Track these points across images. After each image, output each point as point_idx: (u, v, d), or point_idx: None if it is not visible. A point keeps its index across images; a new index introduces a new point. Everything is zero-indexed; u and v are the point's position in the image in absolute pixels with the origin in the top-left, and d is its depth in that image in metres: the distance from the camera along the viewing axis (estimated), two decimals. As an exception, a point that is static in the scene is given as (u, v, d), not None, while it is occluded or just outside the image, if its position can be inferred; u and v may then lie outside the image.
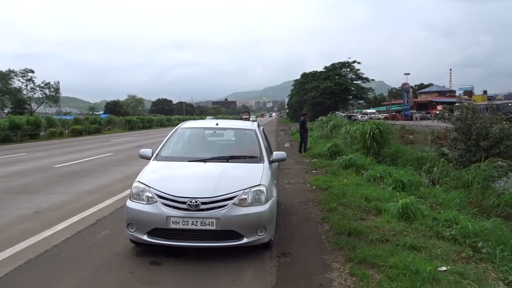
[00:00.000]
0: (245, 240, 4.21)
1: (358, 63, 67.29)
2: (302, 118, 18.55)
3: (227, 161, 5.08)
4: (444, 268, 4.05)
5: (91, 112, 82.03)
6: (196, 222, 4.09)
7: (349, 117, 52.78)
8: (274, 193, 4.73)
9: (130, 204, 4.40)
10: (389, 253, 4.43)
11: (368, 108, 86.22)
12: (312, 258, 4.53)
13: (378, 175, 9.11)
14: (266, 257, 4.48)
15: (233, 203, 4.18)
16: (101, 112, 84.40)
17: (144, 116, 70.70)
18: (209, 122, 6.66)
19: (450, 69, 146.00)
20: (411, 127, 36.28)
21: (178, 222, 4.10)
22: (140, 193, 4.38)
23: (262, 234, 4.27)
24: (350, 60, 67.78)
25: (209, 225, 4.10)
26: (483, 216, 6.23)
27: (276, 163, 6.06)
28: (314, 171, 11.44)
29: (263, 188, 4.39)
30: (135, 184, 4.51)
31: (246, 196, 4.27)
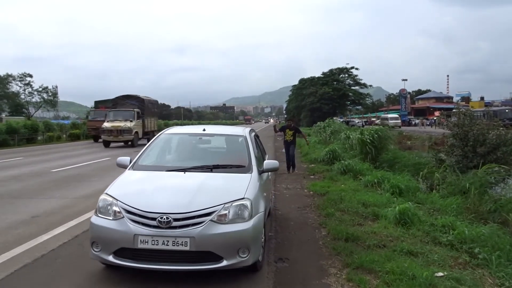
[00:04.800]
0: (224, 262, 3.66)
1: (356, 69, 67.69)
2: (289, 123, 13.30)
3: (211, 171, 4.55)
4: (440, 274, 4.06)
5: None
6: (168, 241, 3.56)
7: (347, 123, 53.01)
8: (262, 208, 4.16)
9: (95, 220, 3.87)
10: (386, 258, 4.43)
11: (366, 113, 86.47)
12: (309, 264, 4.53)
13: (375, 180, 9.12)
14: (263, 262, 4.47)
15: (211, 220, 3.65)
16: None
17: (142, 121, 70.46)
18: (195, 128, 6.32)
19: (448, 75, 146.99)
20: (409, 133, 36.37)
21: (147, 242, 3.58)
22: (107, 207, 3.85)
23: (244, 255, 3.72)
24: (348, 66, 68.12)
25: (182, 245, 3.57)
26: (480, 222, 6.25)
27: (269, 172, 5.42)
28: (312, 177, 11.45)
29: (246, 203, 3.85)
30: (102, 197, 4.00)
31: (226, 212, 3.73)
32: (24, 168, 13.51)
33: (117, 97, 27.27)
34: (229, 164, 4.77)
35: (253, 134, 5.84)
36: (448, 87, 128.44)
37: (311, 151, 17.75)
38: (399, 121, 57.61)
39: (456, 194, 7.98)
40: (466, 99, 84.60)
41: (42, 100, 62.80)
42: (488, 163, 9.30)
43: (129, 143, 23.64)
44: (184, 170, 4.54)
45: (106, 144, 23.61)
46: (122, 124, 23.28)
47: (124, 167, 4.85)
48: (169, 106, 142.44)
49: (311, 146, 19.11)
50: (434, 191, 8.77)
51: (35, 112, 64.42)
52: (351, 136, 16.16)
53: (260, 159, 5.29)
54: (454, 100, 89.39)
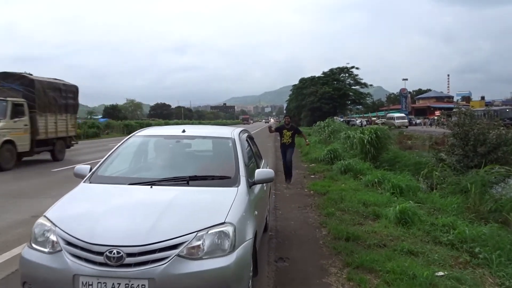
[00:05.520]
0: None
1: (357, 68, 67.66)
2: (285, 121, 10.71)
3: (187, 184, 3.55)
4: (441, 273, 4.06)
5: (89, 116, 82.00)
6: (119, 284, 2.64)
7: (348, 122, 52.95)
8: (249, 233, 3.16)
9: (26, 253, 2.94)
10: (386, 258, 4.44)
11: (367, 113, 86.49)
12: (310, 263, 4.54)
13: (376, 180, 9.12)
14: (264, 262, 4.47)
15: (179, 255, 2.71)
16: (100, 116, 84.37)
17: (143, 121, 70.72)
18: (173, 129, 5.20)
19: (448, 75, 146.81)
20: (409, 133, 36.35)
21: (91, 285, 2.65)
22: (44, 235, 2.94)
23: None
24: (349, 66, 68.12)
25: None
26: (481, 221, 6.24)
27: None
28: (312, 176, 11.46)
29: (228, 229, 2.87)
30: (39, 221, 3.08)
31: (200, 242, 2.77)
32: (25, 167, 13.51)
33: None
34: (210, 175, 3.76)
35: (244, 135, 4.87)
36: (448, 87, 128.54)
37: (311, 151, 17.76)
38: (406, 120, 54.75)
39: (457, 194, 7.98)
40: (467, 98, 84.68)
41: (42, 99, 62.73)
42: (488, 162, 9.30)
43: None
44: (152, 183, 3.56)
45: None
46: None
47: (83, 177, 3.89)
48: (169, 105, 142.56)
49: (312, 146, 19.10)
50: (434, 190, 8.77)
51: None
52: (351, 136, 16.16)
53: (252, 167, 4.41)
54: (455, 99, 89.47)
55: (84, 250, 2.72)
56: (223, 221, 2.92)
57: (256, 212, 3.68)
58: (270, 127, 11.31)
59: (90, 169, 3.94)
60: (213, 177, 3.73)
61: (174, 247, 2.72)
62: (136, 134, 4.68)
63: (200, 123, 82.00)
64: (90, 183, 3.76)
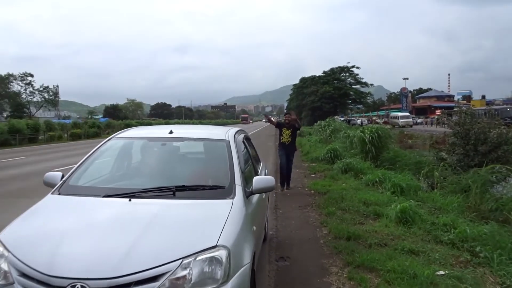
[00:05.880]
0: None
1: (357, 68, 67.74)
2: (285, 120, 9.30)
3: (173, 195, 2.96)
4: (442, 272, 4.06)
5: (90, 116, 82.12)
6: None
7: (348, 122, 52.83)
8: (247, 256, 2.61)
9: None
10: (387, 257, 4.44)
11: (367, 112, 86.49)
12: (310, 262, 4.54)
13: (376, 179, 9.12)
14: (265, 261, 4.48)
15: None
16: (100, 116, 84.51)
17: (143, 120, 70.88)
18: (160, 130, 4.52)
19: (449, 74, 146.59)
20: (410, 132, 36.34)
21: None
22: None
23: None
24: (349, 65, 68.14)
25: None
26: (481, 220, 6.24)
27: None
28: (313, 175, 11.46)
29: (221, 254, 2.33)
30: None
31: (186, 272, 2.24)
32: (26, 167, 13.55)
33: None
34: (200, 185, 3.22)
35: (241, 136, 4.33)
36: (449, 86, 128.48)
37: (312, 150, 17.77)
38: (411, 120, 52.62)
39: (457, 193, 7.97)
40: (468, 97, 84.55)
41: (43, 99, 63.03)
42: (489, 161, 9.29)
43: None
44: (131, 195, 2.96)
45: None
46: None
47: (53, 187, 3.34)
48: (170, 105, 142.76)
49: (312, 145, 19.09)
50: (435, 189, 8.77)
51: (36, 111, 64.62)
52: (350, 135, 16.17)
53: (250, 173, 3.88)
54: (455, 98, 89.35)
55: (41, 284, 2.18)
56: (214, 244, 2.36)
57: (254, 228, 3.15)
58: (271, 120, 10.44)
59: (62, 177, 3.39)
60: (203, 187, 3.17)
61: (154, 279, 2.19)
62: (116, 136, 4.08)
63: (200, 123, 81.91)
64: (58, 194, 3.20)
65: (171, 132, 3.90)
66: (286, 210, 7.13)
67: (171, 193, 2.98)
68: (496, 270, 4.24)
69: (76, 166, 3.54)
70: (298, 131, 9.23)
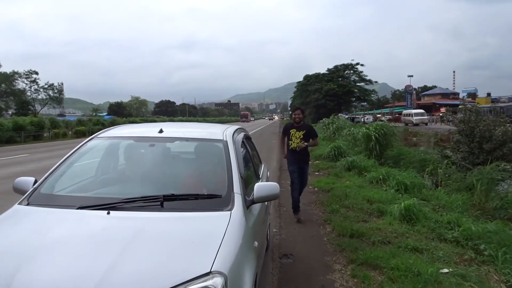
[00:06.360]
0: None
1: (362, 65, 67.36)
2: (295, 119, 6.54)
3: (161, 206, 2.50)
4: (446, 270, 4.05)
5: (94, 114, 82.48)
6: None
7: (352, 119, 52.62)
8: (248, 281, 2.17)
9: None
10: (391, 255, 4.43)
11: (371, 110, 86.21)
12: (314, 260, 4.55)
13: (380, 177, 9.09)
14: (268, 258, 4.49)
15: None
16: (105, 114, 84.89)
17: (147, 118, 71.09)
18: (148, 129, 3.86)
19: (454, 71, 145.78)
20: (414, 129, 36.19)
21: None
22: None
23: None
24: (354, 62, 67.88)
25: None
26: (486, 218, 6.22)
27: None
28: (317, 173, 11.44)
29: (216, 283, 1.85)
30: None
31: None
32: (30, 164, 13.61)
33: None
34: (193, 194, 2.73)
35: (240, 136, 3.82)
36: (454, 83, 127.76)
37: (315, 148, 17.74)
38: (426, 117, 47.80)
39: (462, 191, 7.95)
40: (473, 95, 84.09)
41: (48, 97, 63.38)
42: (494, 159, 9.26)
43: None
44: (110, 206, 2.49)
45: None
46: None
47: (23, 194, 2.96)
48: (174, 102, 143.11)
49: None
50: (439, 187, 8.74)
51: (41, 109, 64.98)
52: (354, 132, 16.13)
53: (250, 179, 3.47)
54: (460, 96, 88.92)
55: None
56: (208, 271, 1.89)
57: (256, 244, 2.68)
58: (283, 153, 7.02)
59: (35, 183, 2.97)
60: (196, 196, 2.68)
61: None
62: (98, 136, 3.52)
63: (204, 120, 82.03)
64: (27, 205, 2.77)
65: (161, 131, 3.37)
66: (290, 207, 7.11)
67: (158, 203, 2.51)
68: (500, 268, 4.23)
69: (50, 170, 3.05)
70: (312, 137, 6.58)
